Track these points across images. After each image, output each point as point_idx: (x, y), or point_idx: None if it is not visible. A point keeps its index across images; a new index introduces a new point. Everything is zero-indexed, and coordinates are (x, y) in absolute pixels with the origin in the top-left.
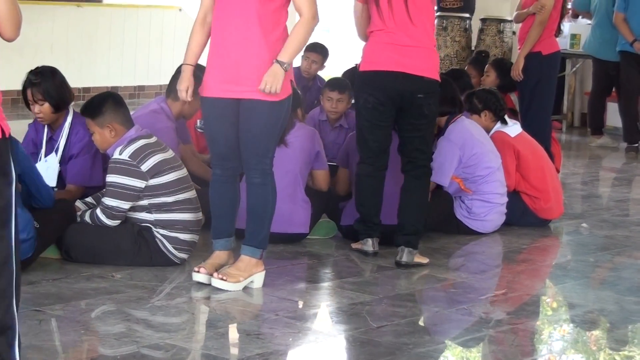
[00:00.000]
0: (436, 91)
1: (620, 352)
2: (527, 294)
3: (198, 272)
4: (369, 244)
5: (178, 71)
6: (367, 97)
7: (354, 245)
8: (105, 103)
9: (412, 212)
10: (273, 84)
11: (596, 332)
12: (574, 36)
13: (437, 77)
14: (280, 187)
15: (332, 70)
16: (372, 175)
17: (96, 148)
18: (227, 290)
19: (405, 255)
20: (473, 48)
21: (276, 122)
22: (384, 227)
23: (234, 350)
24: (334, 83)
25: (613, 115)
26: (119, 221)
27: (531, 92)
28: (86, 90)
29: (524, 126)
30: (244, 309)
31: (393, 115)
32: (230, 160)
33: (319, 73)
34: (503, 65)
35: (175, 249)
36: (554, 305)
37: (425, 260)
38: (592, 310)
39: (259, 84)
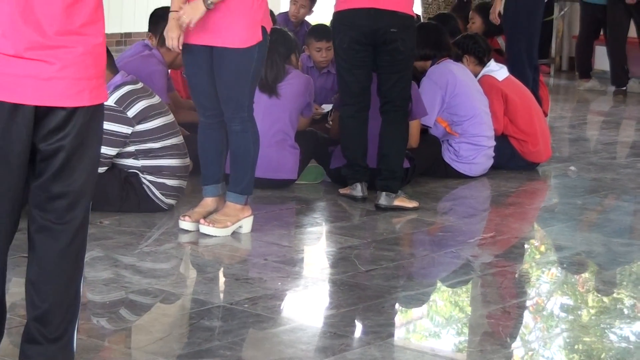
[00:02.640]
0: (411, 26)
1: (608, 294)
2: (515, 236)
3: (184, 220)
4: (358, 189)
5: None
6: (342, 37)
7: (342, 191)
8: None
9: (389, 156)
10: (189, 15)
11: (584, 274)
12: None
13: (411, 12)
14: (270, 134)
15: (320, 15)
16: (354, 116)
17: None
18: (215, 236)
19: (382, 198)
20: None
21: (247, 70)
22: (372, 171)
23: (223, 295)
24: (319, 32)
25: (601, 59)
26: (105, 168)
27: (509, 36)
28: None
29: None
30: (233, 254)
31: (370, 54)
32: (210, 109)
33: (307, 18)
34: (487, 10)
35: (163, 194)
36: (542, 248)
37: (411, 205)
38: (579, 253)
39: (229, 32)
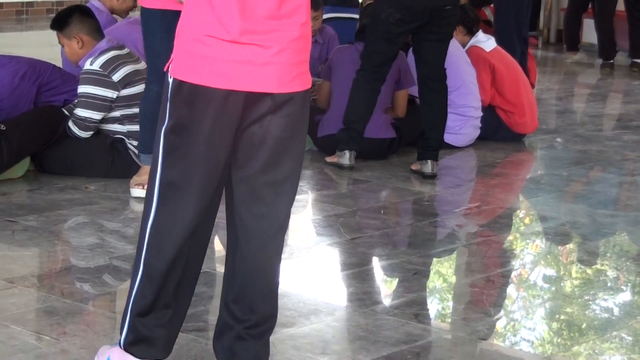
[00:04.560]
0: (458, 1)
1: (592, 265)
2: (501, 207)
3: (138, 188)
4: (346, 157)
5: None
6: (393, 12)
7: (329, 159)
8: (72, 15)
9: (438, 126)
10: None
11: (568, 245)
12: None
13: None
14: None
15: None
16: (371, 83)
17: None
18: None
19: (434, 167)
20: None
21: None
22: (363, 140)
23: (207, 261)
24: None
25: (589, 32)
26: (91, 132)
27: (498, 7)
28: (59, 3)
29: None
30: (217, 221)
31: (408, 33)
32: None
33: None
34: None
35: None
36: (527, 218)
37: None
38: (564, 223)
39: None
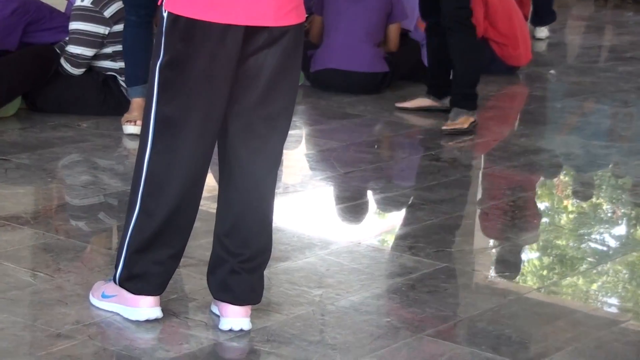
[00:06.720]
0: None
1: (586, 196)
2: (495, 139)
3: (130, 125)
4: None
5: None
6: None
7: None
8: None
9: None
10: None
11: (562, 177)
12: None
13: None
14: None
15: None
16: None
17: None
18: None
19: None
20: None
21: None
22: (355, 75)
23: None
24: None
25: None
26: (84, 69)
27: None
28: None
29: None
30: None
31: None
32: (146, 7)
33: None
34: None
35: None
36: (521, 150)
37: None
38: (558, 155)
39: None
